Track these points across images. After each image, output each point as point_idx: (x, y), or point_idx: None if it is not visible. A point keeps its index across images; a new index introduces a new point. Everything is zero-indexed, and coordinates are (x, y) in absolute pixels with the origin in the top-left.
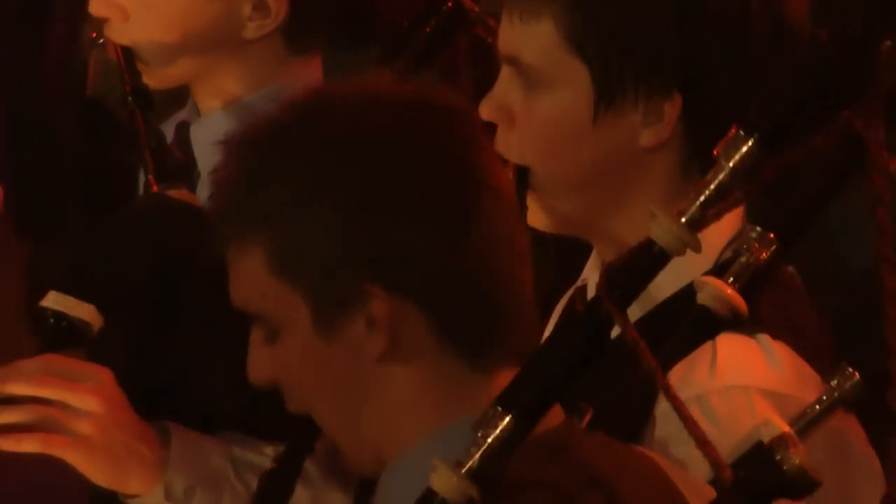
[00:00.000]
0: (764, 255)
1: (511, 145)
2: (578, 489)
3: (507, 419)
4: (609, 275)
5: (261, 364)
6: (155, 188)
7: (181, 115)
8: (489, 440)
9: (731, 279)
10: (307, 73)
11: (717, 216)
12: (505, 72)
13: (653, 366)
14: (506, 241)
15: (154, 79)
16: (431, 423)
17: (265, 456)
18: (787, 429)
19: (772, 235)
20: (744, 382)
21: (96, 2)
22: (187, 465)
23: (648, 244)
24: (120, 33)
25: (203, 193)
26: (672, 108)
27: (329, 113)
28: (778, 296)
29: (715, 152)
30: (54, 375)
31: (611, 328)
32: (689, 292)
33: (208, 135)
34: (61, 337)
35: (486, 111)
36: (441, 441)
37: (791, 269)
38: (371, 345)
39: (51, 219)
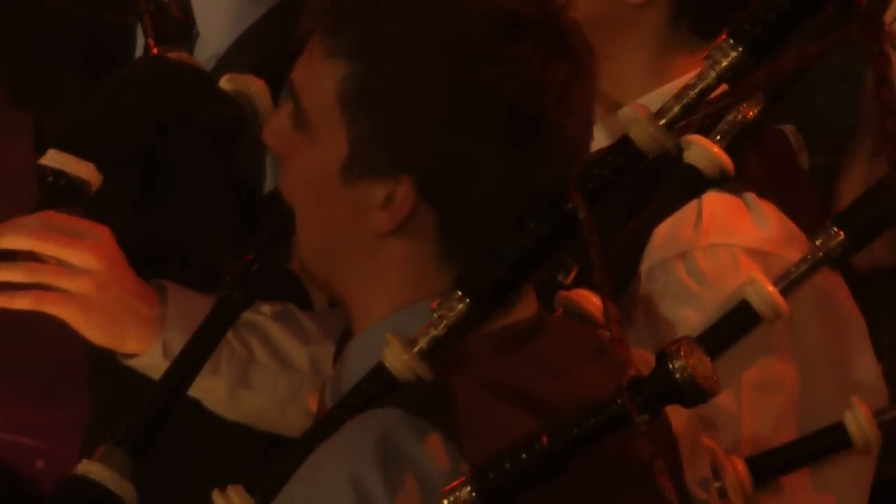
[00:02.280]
0: (751, 113)
1: None
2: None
3: (464, 302)
4: (584, 167)
5: (277, 134)
6: (155, 51)
7: None
8: (443, 321)
9: (718, 137)
10: None
11: (702, 120)
12: None
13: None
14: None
15: None
16: (403, 303)
17: (263, 315)
18: (770, 287)
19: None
20: (729, 240)
21: None
22: (185, 322)
23: (625, 142)
24: None
25: (202, 53)
26: None
27: None
28: (766, 155)
29: (704, 56)
30: (53, 231)
31: (575, 223)
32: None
33: None
34: (59, 195)
35: None
36: (404, 320)
37: (782, 128)
38: (376, 219)
39: (50, 86)
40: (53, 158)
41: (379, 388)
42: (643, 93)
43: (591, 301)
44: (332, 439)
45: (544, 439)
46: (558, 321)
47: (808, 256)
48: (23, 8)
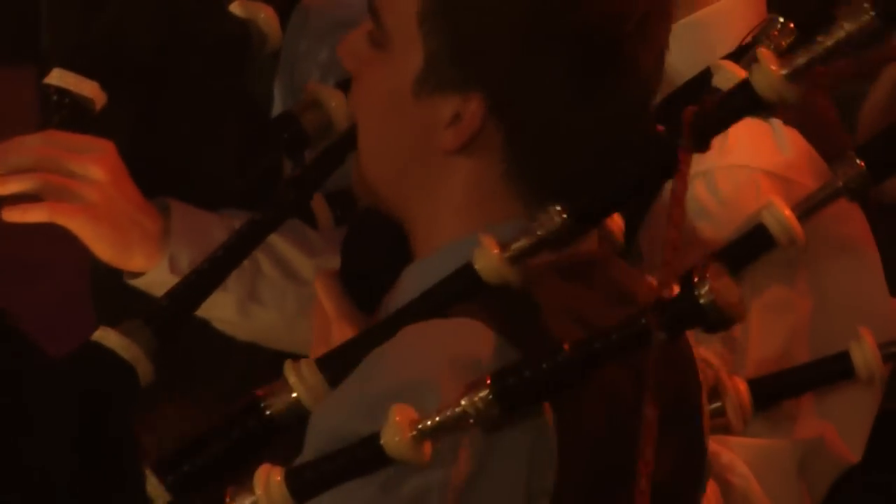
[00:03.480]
0: (783, 43)
1: None
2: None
3: (562, 217)
4: (702, 108)
5: (353, 52)
6: None
7: None
8: (539, 233)
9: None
10: None
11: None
12: None
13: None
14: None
15: None
16: (468, 228)
17: None
18: (787, 211)
19: (792, 25)
20: (751, 163)
21: None
22: (190, 236)
23: (744, 86)
24: None
25: None
26: None
27: None
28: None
29: (837, 15)
30: (56, 147)
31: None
32: (706, 76)
33: None
34: (63, 114)
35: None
36: (469, 247)
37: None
38: (443, 136)
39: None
40: (58, 77)
41: (463, 288)
42: (677, 15)
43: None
44: (403, 340)
45: (566, 348)
46: (616, 259)
47: (828, 185)
48: None
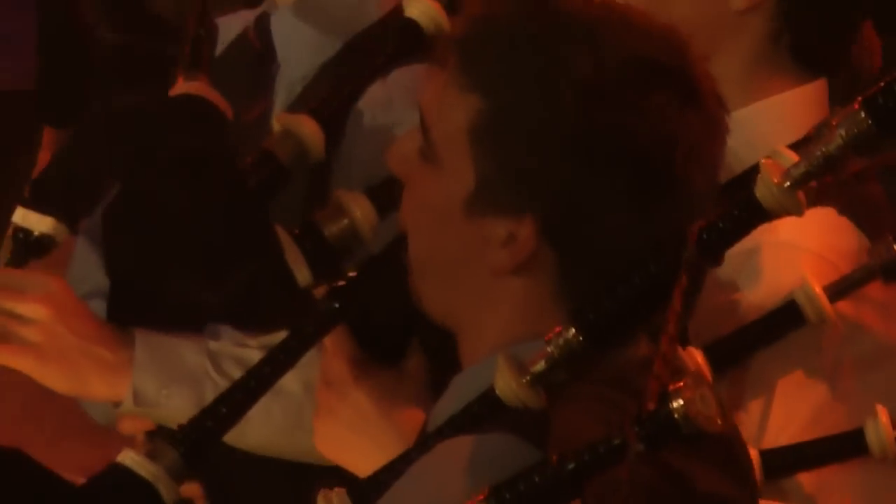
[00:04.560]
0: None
1: None
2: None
3: (575, 336)
4: (707, 222)
5: (403, 160)
6: (181, 78)
7: (250, 11)
8: (555, 353)
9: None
10: None
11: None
12: None
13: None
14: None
15: None
16: (515, 339)
17: (248, 347)
18: (818, 289)
19: None
20: (798, 242)
21: None
22: (156, 364)
23: (749, 199)
24: None
25: (282, 84)
26: None
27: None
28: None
29: (834, 122)
30: (4, 287)
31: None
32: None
33: (288, 25)
34: (29, 249)
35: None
36: (516, 355)
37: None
38: (496, 256)
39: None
40: (20, 216)
41: (486, 411)
42: (732, 105)
43: None
44: (436, 456)
45: (554, 460)
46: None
47: (864, 266)
48: (69, 33)
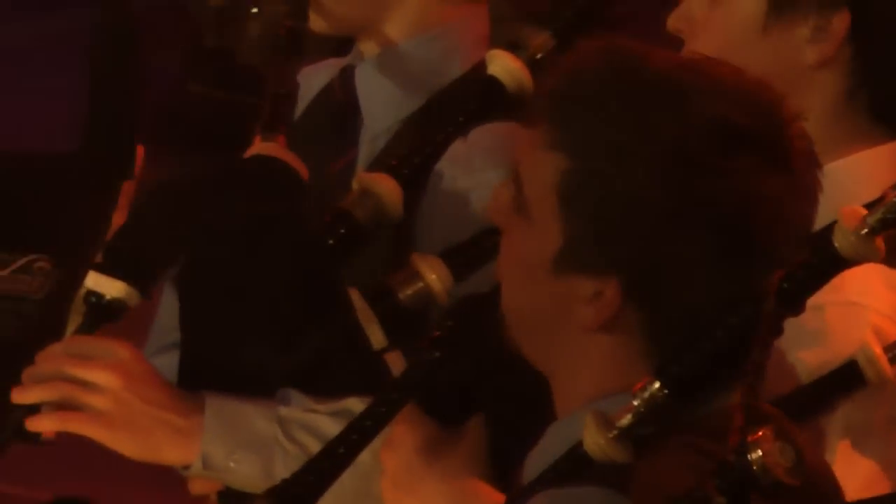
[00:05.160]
0: None
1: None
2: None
3: (660, 389)
4: (787, 272)
5: (499, 210)
6: (258, 136)
7: (337, 61)
8: (640, 406)
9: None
10: (472, 21)
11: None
12: None
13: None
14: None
15: (329, 20)
16: (605, 392)
17: (317, 413)
18: (878, 350)
19: None
20: (862, 301)
21: None
22: (226, 430)
23: (826, 248)
24: None
25: (366, 137)
26: (840, 23)
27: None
28: None
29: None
30: (73, 356)
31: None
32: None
33: (371, 79)
34: (100, 314)
35: (672, 21)
36: (606, 408)
37: None
38: (583, 314)
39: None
40: (92, 281)
41: (575, 466)
42: None
43: None
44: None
45: None
46: None
47: None
48: (124, 88)
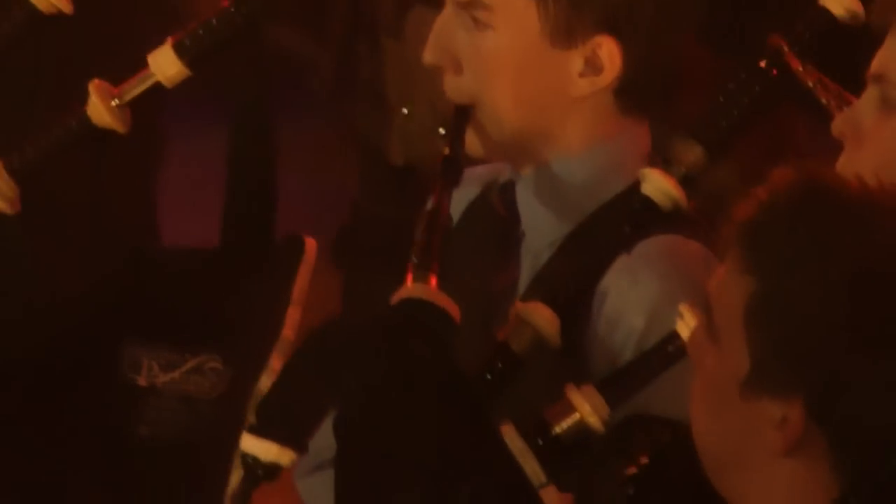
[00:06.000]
0: None
1: (461, 87)
2: None
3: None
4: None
5: (694, 342)
6: (410, 274)
7: (483, 172)
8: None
9: None
10: (636, 135)
11: None
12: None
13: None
14: None
15: (485, 142)
16: None
17: None
18: None
19: None
20: None
21: (432, 51)
22: None
23: None
24: (453, 88)
25: (528, 252)
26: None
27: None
28: None
29: None
30: None
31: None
32: None
33: (534, 196)
34: (257, 475)
35: (837, 125)
36: None
37: None
38: (770, 438)
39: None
40: (246, 443)
41: None
42: None
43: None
44: None
45: None
46: None
47: None
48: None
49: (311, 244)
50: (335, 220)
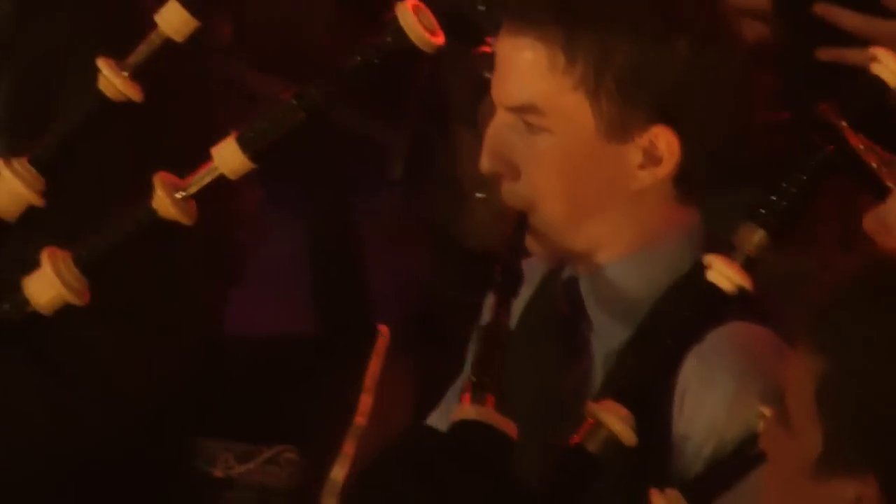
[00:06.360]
0: None
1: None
2: None
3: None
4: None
5: (767, 435)
6: (467, 395)
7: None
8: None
9: None
10: (690, 220)
11: None
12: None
13: None
14: None
15: (543, 244)
16: None
17: None
18: None
19: None
20: None
21: (488, 158)
22: None
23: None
24: (511, 194)
25: (599, 346)
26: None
27: None
28: None
29: None
30: None
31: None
32: None
33: (601, 289)
34: None
35: (868, 222)
36: None
37: None
38: None
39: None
40: None
41: None
42: None
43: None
44: None
45: None
46: None
47: None
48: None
49: (383, 331)
50: (405, 307)
